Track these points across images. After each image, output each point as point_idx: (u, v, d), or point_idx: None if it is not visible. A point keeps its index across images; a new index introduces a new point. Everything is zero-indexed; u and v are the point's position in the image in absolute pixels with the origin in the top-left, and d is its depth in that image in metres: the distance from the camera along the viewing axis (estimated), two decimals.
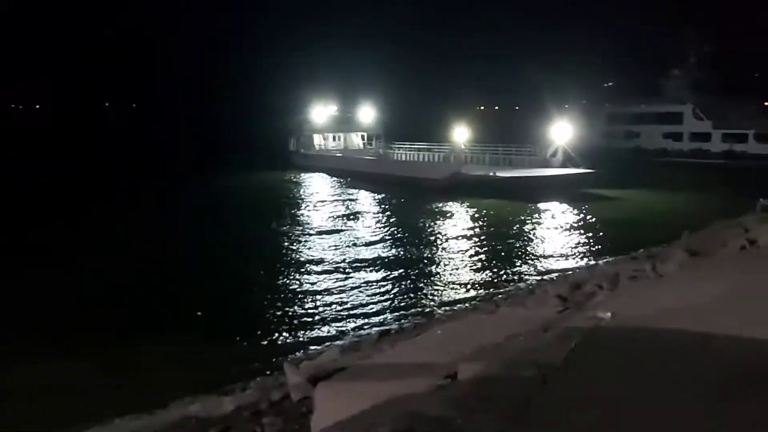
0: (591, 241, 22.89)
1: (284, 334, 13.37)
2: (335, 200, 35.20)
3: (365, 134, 57.60)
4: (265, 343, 12.88)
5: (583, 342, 5.54)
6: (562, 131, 37.62)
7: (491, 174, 34.97)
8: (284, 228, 26.00)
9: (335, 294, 16.20)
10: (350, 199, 35.48)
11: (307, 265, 19.54)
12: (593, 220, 27.29)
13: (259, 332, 13.41)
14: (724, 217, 17.72)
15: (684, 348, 5.23)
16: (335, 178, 45.57)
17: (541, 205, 30.54)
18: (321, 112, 57.72)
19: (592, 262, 19.01)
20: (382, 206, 32.73)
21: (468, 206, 31.37)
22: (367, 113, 58.24)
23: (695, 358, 5.01)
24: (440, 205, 31.69)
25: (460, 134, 39.39)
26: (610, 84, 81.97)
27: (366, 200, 35.10)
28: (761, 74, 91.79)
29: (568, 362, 5.06)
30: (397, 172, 42.16)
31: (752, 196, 20.82)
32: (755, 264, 10.41)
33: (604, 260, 18.81)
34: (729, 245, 13.41)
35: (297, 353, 12.00)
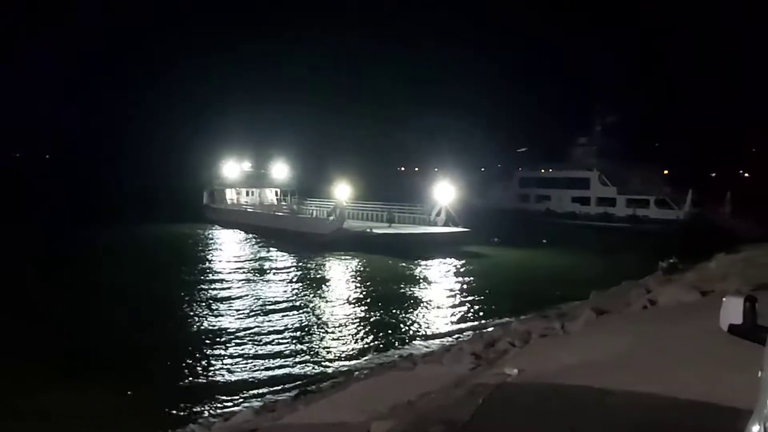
0: (478, 299, 23.21)
1: (196, 393, 12.89)
2: (238, 256, 35.13)
3: (278, 190, 58.23)
4: (176, 402, 12.34)
5: (489, 398, 5.73)
6: (445, 192, 39.66)
7: (368, 230, 36.83)
8: (185, 283, 25.39)
9: (250, 353, 15.81)
10: (254, 255, 35.72)
11: (215, 323, 19.02)
12: (474, 277, 28.11)
13: (169, 390, 12.88)
14: (624, 277, 18.85)
15: (583, 402, 5.50)
16: (241, 233, 46.09)
17: (419, 262, 31.55)
18: (233, 167, 58.31)
19: (507, 320, 19.51)
20: (284, 262, 32.84)
21: (359, 262, 32.36)
22: (281, 169, 59.14)
23: (593, 413, 5.27)
24: (332, 260, 32.76)
25: (342, 191, 40.84)
26: (524, 149, 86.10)
27: (270, 255, 35.20)
28: (660, 143, 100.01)
29: (475, 418, 5.22)
30: (291, 227, 43.27)
31: (653, 259, 22.06)
32: (654, 323, 11.02)
33: (518, 318, 19.34)
34: (632, 305, 14.15)
35: (210, 413, 11.62)
